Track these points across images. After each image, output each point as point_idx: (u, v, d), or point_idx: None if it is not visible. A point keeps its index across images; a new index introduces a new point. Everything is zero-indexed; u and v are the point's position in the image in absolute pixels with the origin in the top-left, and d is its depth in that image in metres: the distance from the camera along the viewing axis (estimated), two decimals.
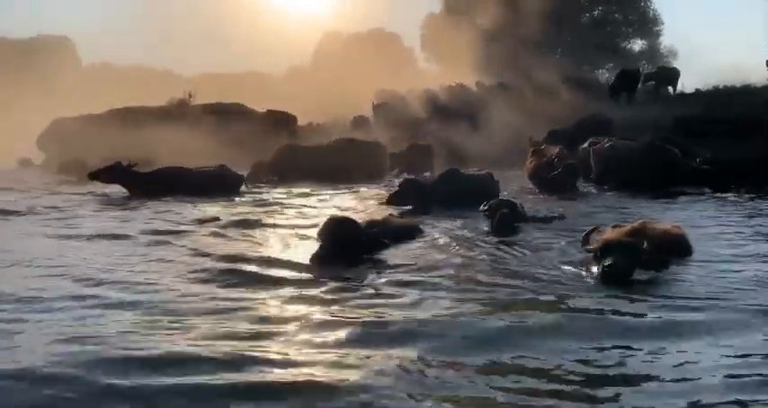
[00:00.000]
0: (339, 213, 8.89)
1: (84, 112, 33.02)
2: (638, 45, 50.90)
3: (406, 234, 7.23)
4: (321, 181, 16.06)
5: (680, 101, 27.05)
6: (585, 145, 15.97)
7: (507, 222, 7.47)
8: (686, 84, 31.64)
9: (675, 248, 5.88)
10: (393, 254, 6.28)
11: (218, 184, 13.93)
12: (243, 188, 14.88)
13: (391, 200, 10.08)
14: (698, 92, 28.92)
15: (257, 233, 8.11)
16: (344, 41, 67.41)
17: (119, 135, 27.75)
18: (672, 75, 31.01)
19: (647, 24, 49.79)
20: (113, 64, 75.99)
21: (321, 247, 6.03)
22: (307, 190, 14.60)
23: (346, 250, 6.00)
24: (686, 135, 18.07)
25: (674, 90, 30.73)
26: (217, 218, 9.27)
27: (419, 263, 5.94)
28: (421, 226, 7.75)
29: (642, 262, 5.19)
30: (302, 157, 18.12)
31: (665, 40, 50.99)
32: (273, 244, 7.34)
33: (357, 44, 63.07)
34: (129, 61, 77.66)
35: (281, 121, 31.33)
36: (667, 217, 8.35)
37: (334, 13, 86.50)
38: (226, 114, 31.36)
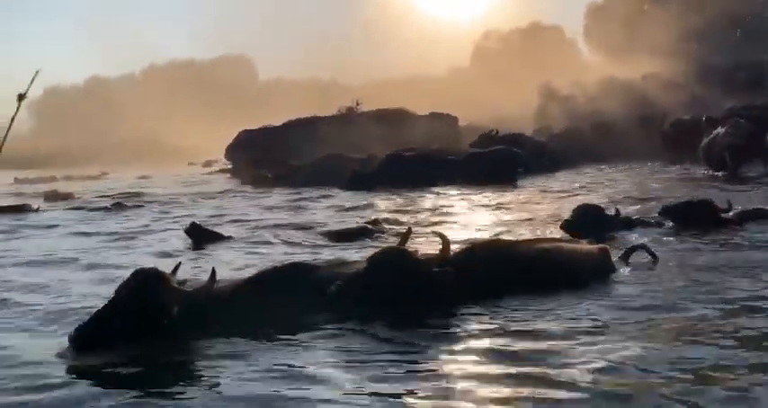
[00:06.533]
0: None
1: (263, 124, 35.93)
2: None
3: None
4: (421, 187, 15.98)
5: None
6: None
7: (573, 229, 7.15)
8: None
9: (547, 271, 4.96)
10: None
11: None
12: None
13: None
14: None
15: None
16: (503, 38, 66.94)
17: (295, 144, 29.97)
18: None
19: None
20: (286, 78, 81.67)
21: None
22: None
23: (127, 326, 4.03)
24: None
25: None
26: None
27: None
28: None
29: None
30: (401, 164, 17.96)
31: None
32: None
33: (516, 39, 62.40)
34: (299, 75, 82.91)
35: (443, 123, 32.04)
36: None
37: (491, 10, 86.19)
38: (390, 119, 32.65)
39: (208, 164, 47.13)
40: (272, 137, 32.96)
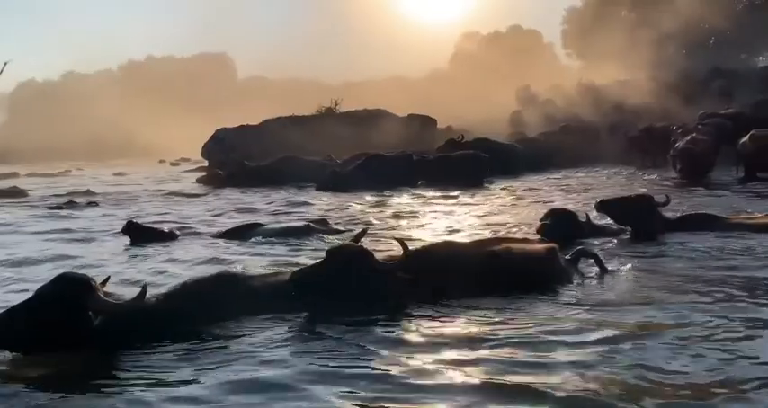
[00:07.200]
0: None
1: (241, 122, 35.66)
2: None
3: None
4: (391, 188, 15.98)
5: None
6: (746, 138, 15.02)
7: (550, 234, 6.87)
8: None
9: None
10: None
11: None
12: None
13: None
14: None
15: None
16: (482, 40, 67.41)
17: (273, 143, 29.74)
18: None
19: None
20: (266, 77, 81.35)
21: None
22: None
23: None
24: None
25: None
26: None
27: None
28: None
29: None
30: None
31: None
32: None
33: (495, 43, 62.87)
34: (279, 74, 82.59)
35: (421, 125, 32.06)
36: None
37: (472, 13, 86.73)
38: (368, 119, 32.60)
39: (176, 162, 46.69)
40: (249, 135, 32.73)
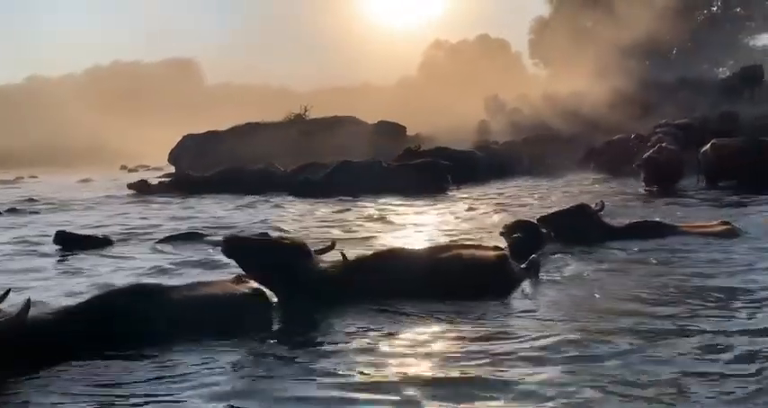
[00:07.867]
0: None
1: (209, 129, 35.40)
2: (763, 40, 47.95)
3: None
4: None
5: None
6: (707, 147, 15.29)
7: (521, 247, 6.57)
8: None
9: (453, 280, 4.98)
10: None
11: None
12: None
13: None
14: None
15: None
16: (451, 49, 67.90)
17: (241, 149, 29.57)
18: (754, 74, 28.40)
19: None
20: (234, 82, 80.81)
21: None
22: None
23: None
24: None
25: (757, 89, 27.92)
26: None
27: None
28: None
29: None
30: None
31: None
32: None
33: (464, 52, 63.36)
34: (248, 80, 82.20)
35: (390, 132, 32.18)
36: None
37: (440, 21, 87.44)
38: (338, 126, 32.63)
39: (134, 169, 46.06)
40: (216, 142, 32.52)
